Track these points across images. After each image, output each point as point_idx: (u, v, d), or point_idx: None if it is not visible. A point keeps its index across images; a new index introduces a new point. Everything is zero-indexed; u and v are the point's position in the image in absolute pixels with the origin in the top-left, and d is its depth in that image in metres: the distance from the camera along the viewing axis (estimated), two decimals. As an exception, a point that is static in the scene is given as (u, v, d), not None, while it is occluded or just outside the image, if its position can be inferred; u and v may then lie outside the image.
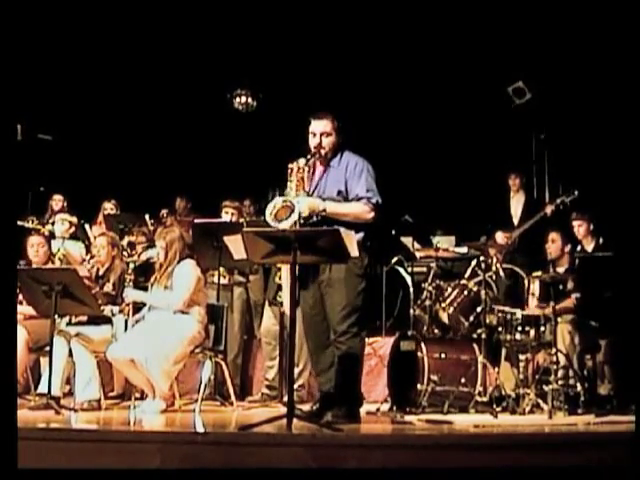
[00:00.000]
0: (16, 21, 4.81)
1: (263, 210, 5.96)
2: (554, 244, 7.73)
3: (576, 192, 8.77)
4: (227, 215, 8.46)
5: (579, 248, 7.99)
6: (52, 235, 8.70)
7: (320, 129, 6.02)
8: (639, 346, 5.43)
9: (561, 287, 7.31)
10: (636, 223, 5.54)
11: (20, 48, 4.87)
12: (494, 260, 7.67)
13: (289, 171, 5.93)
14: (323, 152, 6.01)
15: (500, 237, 8.74)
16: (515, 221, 9.13)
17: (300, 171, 5.92)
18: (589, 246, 7.99)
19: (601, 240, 7.95)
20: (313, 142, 6.02)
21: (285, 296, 6.12)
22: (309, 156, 5.97)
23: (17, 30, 4.82)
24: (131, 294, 7.23)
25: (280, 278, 6.12)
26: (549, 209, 8.84)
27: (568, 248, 7.75)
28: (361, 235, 5.88)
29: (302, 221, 5.78)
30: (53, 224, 9.24)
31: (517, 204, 9.29)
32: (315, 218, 5.84)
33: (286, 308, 6.01)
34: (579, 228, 8.01)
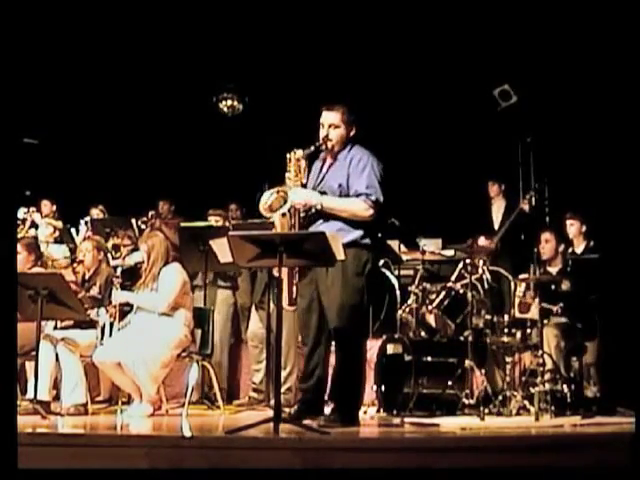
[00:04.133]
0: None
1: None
2: (548, 244, 7.72)
3: (537, 185, 8.92)
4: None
5: (570, 250, 8.03)
6: (36, 240, 8.66)
7: (329, 120, 5.93)
8: (638, 348, 5.44)
9: (553, 287, 7.33)
10: (626, 226, 5.56)
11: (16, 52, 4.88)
12: (480, 263, 7.68)
13: (287, 161, 5.87)
14: (330, 144, 5.91)
15: (483, 241, 8.76)
16: (496, 227, 9.18)
17: (297, 162, 5.85)
18: (579, 247, 8.01)
19: (592, 243, 7.97)
20: (321, 133, 5.93)
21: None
22: (312, 147, 5.89)
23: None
24: (118, 295, 7.23)
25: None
26: (525, 205, 8.90)
27: (562, 248, 7.77)
28: (360, 233, 5.80)
29: (303, 214, 5.77)
30: (37, 228, 9.23)
31: (498, 210, 9.36)
32: (313, 210, 5.79)
33: (284, 304, 5.87)
34: (571, 227, 8.05)
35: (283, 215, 5.69)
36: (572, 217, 8.10)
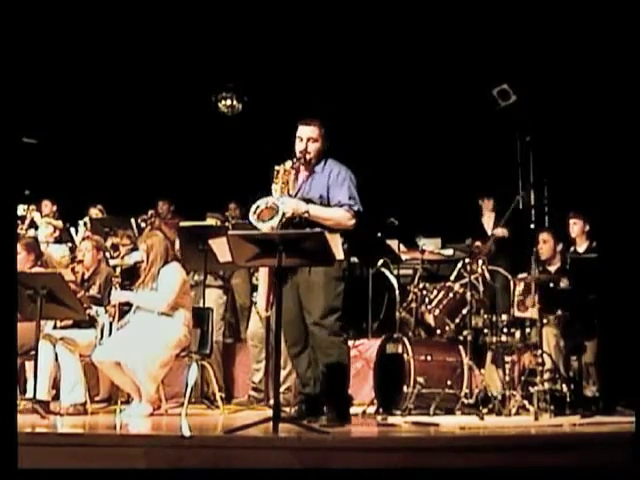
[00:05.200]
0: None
1: (249, 213, 6.00)
2: (546, 244, 7.74)
3: (524, 194, 8.93)
4: None
5: (572, 249, 8.02)
6: (36, 240, 8.66)
7: (307, 134, 6.09)
8: (637, 347, 5.44)
9: (552, 285, 7.32)
10: (625, 226, 5.56)
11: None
12: (480, 262, 7.67)
13: (275, 173, 6.01)
14: (308, 157, 6.08)
15: (476, 244, 8.74)
16: (489, 233, 9.16)
17: (286, 173, 6.00)
18: (582, 246, 8.00)
19: (594, 243, 7.95)
20: (299, 147, 6.09)
21: (260, 297, 6.13)
22: (294, 160, 6.04)
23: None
24: (117, 295, 7.23)
25: (257, 279, 6.18)
26: (498, 232, 8.85)
27: (560, 247, 7.77)
28: (342, 237, 5.96)
29: (284, 221, 5.85)
30: (36, 228, 9.23)
31: (489, 221, 9.34)
32: (297, 219, 5.90)
33: (260, 309, 6.04)
34: (574, 226, 8.04)
35: (272, 228, 5.80)
36: (575, 216, 8.10)
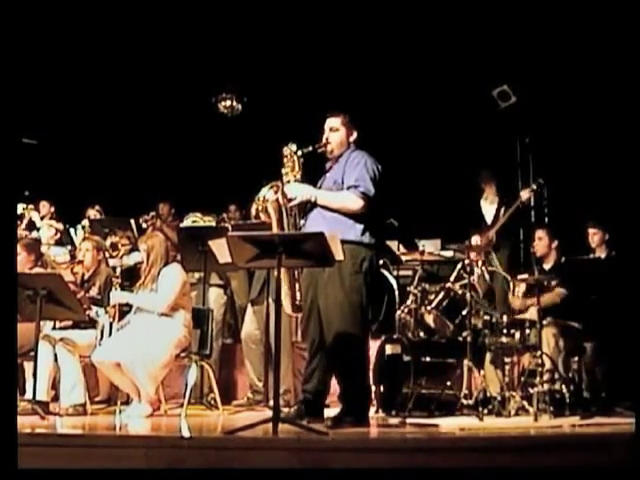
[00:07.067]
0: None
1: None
2: (541, 241, 7.75)
3: (541, 180, 8.90)
4: None
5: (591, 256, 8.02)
6: (38, 242, 8.67)
7: (329, 125, 6.18)
8: (637, 348, 5.45)
9: (546, 283, 7.31)
10: (624, 226, 5.57)
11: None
12: (479, 263, 7.68)
13: (282, 156, 6.04)
14: (330, 147, 6.12)
15: (476, 240, 8.71)
16: (488, 221, 9.14)
17: (292, 156, 6.01)
18: (602, 255, 7.98)
19: (613, 252, 7.94)
20: (323, 138, 6.15)
21: (284, 298, 6.05)
22: (310, 147, 6.05)
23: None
24: (116, 295, 7.23)
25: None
26: (525, 194, 8.87)
27: (555, 244, 7.77)
28: (356, 231, 5.91)
29: (297, 206, 5.93)
30: (36, 229, 9.22)
31: (490, 206, 9.30)
32: (307, 204, 5.98)
33: (287, 311, 5.95)
34: (594, 236, 8.00)
35: (277, 201, 5.84)
36: (594, 226, 8.07)
